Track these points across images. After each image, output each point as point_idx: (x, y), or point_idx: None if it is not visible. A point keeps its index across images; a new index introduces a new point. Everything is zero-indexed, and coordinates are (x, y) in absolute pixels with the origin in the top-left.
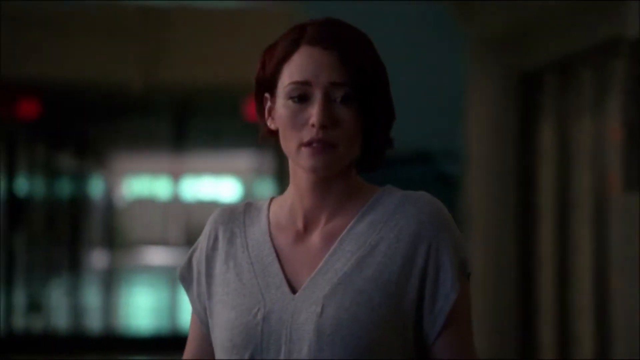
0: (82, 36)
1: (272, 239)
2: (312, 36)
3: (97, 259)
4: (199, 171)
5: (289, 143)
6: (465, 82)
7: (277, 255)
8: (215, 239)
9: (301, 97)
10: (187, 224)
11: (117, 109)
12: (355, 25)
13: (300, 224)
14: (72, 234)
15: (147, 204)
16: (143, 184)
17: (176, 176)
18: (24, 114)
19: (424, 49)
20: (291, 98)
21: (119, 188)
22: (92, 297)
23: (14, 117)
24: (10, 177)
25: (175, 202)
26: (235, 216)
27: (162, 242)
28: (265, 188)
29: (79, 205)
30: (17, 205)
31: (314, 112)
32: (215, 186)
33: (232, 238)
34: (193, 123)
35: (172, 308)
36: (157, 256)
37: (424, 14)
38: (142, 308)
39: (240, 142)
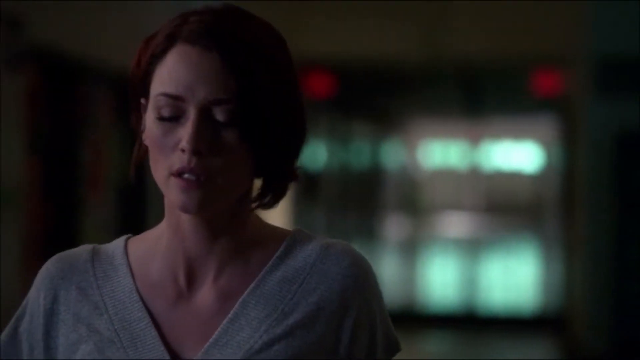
0: (366, 12)
1: (142, 298)
2: (191, 30)
3: (394, 228)
4: (495, 137)
5: (157, 171)
6: None
7: (153, 321)
8: (54, 299)
9: (172, 114)
10: (486, 192)
11: (405, 79)
12: None
13: (181, 278)
14: (368, 203)
15: (443, 171)
16: (438, 151)
17: (473, 142)
18: (319, 90)
19: None
20: (160, 114)
21: (414, 156)
22: (388, 268)
23: (309, 94)
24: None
25: (473, 170)
26: (78, 267)
27: (459, 209)
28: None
29: (375, 175)
30: (313, 178)
31: (185, 134)
32: (514, 153)
33: (80, 297)
34: (484, 91)
35: (469, 282)
36: (455, 226)
37: None
38: (439, 282)
39: (535, 107)
